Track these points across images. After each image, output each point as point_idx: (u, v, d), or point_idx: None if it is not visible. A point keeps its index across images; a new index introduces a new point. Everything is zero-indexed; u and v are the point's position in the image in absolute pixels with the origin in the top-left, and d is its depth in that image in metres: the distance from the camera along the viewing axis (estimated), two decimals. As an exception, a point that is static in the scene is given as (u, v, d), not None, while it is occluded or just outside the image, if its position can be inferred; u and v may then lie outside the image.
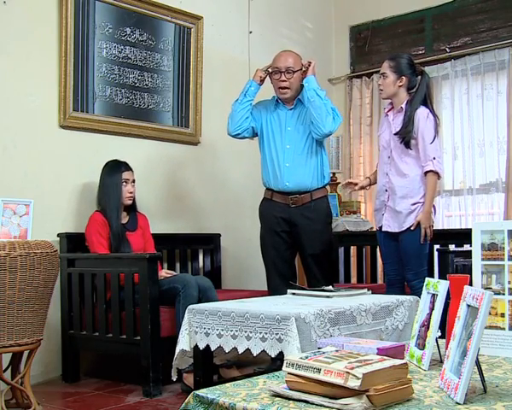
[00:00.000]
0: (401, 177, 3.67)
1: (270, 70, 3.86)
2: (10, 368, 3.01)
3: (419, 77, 3.72)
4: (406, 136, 3.60)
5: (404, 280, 3.76)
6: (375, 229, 4.12)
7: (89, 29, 4.11)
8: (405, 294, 3.49)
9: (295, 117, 3.84)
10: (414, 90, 3.69)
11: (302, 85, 3.82)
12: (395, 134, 3.66)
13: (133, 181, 3.95)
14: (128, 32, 4.35)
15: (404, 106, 3.67)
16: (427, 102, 3.67)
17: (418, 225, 3.61)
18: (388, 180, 3.72)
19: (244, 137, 3.95)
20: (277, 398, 1.54)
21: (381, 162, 3.81)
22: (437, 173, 3.61)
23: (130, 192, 3.91)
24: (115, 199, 3.84)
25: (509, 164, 4.99)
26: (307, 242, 3.82)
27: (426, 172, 3.61)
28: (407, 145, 3.62)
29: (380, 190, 3.79)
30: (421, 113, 3.61)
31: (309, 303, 2.79)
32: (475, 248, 2.06)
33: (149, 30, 4.48)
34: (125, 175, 3.90)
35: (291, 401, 1.50)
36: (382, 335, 2.85)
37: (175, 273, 3.96)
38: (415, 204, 3.64)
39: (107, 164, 3.95)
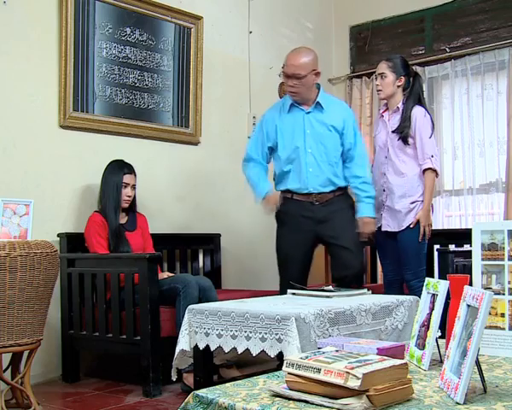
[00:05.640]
0: (399, 176, 3.68)
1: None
2: (10, 368, 3.00)
3: (411, 78, 3.76)
4: (404, 131, 3.63)
5: (403, 280, 3.77)
6: None
7: (89, 29, 4.11)
8: (403, 294, 3.49)
9: (313, 120, 3.69)
10: (408, 90, 3.73)
11: (318, 86, 3.72)
12: (393, 132, 3.68)
13: (133, 186, 3.93)
14: (128, 32, 4.35)
15: (400, 106, 3.71)
16: (421, 101, 3.72)
17: (417, 223, 3.62)
18: (386, 180, 3.73)
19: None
20: (277, 398, 1.54)
21: (377, 163, 3.83)
22: (435, 171, 3.63)
23: (128, 196, 3.89)
24: (114, 200, 3.83)
25: (508, 164, 4.99)
26: (338, 233, 3.65)
27: (424, 170, 3.63)
28: (405, 141, 3.63)
29: (377, 191, 3.79)
30: (419, 112, 3.65)
31: (309, 303, 2.79)
32: (475, 248, 2.06)
33: (149, 30, 4.48)
34: (126, 178, 3.88)
35: (291, 401, 1.50)
36: (382, 335, 2.85)
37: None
38: (413, 203, 3.65)
39: (111, 163, 3.93)
